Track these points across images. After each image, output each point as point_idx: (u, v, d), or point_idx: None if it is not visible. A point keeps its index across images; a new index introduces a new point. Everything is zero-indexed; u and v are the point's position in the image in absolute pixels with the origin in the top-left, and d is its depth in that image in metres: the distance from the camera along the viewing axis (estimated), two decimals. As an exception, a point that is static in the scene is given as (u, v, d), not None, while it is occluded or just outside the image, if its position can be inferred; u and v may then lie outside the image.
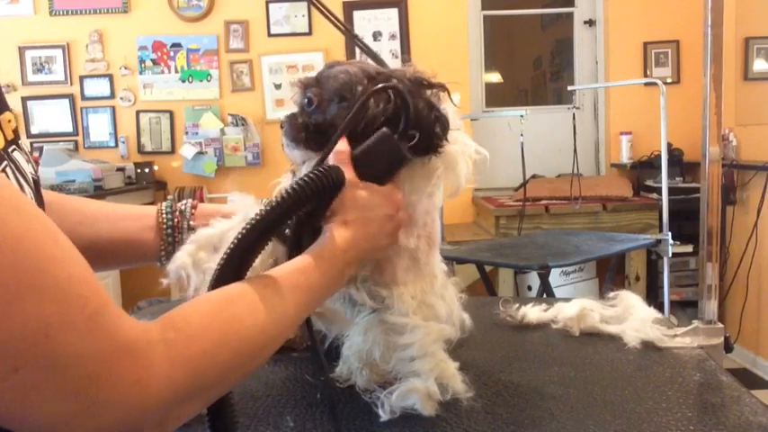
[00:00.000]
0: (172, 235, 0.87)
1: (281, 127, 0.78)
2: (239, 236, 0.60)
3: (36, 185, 0.60)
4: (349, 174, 0.69)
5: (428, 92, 0.74)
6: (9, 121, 0.56)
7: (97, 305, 0.41)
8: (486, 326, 1.03)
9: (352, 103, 0.72)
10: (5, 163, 0.53)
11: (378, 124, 0.71)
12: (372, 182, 0.71)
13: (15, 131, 0.58)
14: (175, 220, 0.87)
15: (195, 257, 0.77)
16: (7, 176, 0.52)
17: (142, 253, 0.88)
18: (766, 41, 3.50)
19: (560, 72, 4.56)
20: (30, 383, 0.38)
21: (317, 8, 0.93)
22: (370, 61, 0.82)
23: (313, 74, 0.78)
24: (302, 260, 0.64)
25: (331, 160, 0.70)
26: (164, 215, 0.87)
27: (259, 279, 0.59)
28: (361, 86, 0.73)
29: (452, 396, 0.76)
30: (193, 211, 0.88)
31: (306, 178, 0.64)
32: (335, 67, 0.77)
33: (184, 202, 0.90)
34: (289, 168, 0.82)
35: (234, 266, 0.60)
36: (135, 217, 0.87)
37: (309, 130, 0.75)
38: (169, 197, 0.96)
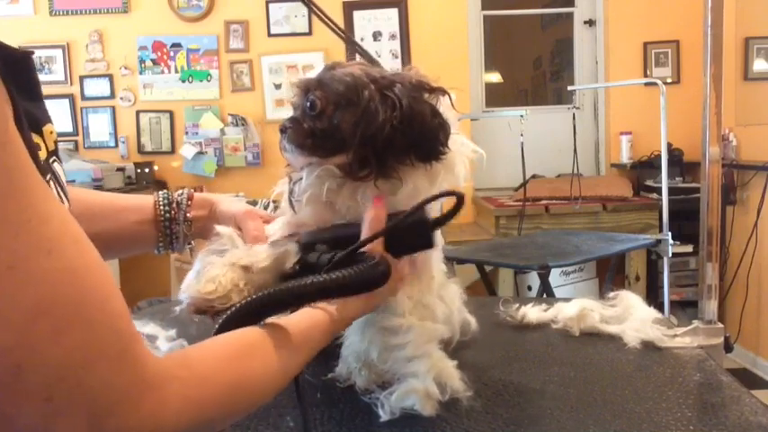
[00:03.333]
0: (169, 227, 0.89)
1: (282, 131, 0.76)
2: (270, 291, 0.62)
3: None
4: (378, 246, 0.70)
5: (427, 95, 0.74)
6: (51, 132, 0.57)
7: (128, 339, 0.43)
8: (486, 326, 1.02)
9: (360, 108, 0.71)
10: (49, 175, 0.54)
11: (387, 135, 0.70)
12: (391, 253, 0.71)
13: (56, 142, 0.58)
14: (172, 212, 0.89)
15: None
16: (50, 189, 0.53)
17: (139, 244, 0.91)
18: (766, 41, 3.50)
19: (560, 72, 4.56)
20: (57, 412, 0.39)
21: (315, 13, 0.93)
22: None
23: (313, 74, 0.77)
24: (319, 317, 0.65)
25: (365, 227, 0.70)
26: (161, 207, 0.89)
27: (279, 331, 0.60)
28: (367, 91, 0.72)
29: (451, 395, 0.77)
30: (189, 202, 0.90)
31: (351, 272, 0.65)
32: (338, 69, 0.75)
33: (180, 192, 0.91)
34: (285, 172, 0.81)
35: (250, 314, 0.61)
36: (133, 209, 0.89)
37: (316, 136, 0.73)
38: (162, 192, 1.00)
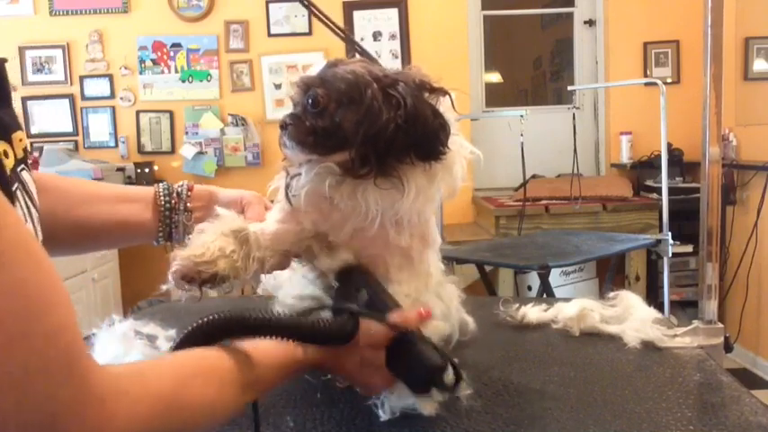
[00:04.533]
0: (169, 217, 0.89)
1: (282, 127, 0.76)
2: (232, 315, 0.61)
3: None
4: (382, 333, 0.69)
5: (428, 95, 0.74)
6: (20, 140, 0.57)
7: (77, 353, 0.43)
8: (486, 326, 1.02)
9: (362, 106, 0.71)
10: (16, 185, 0.54)
11: (390, 134, 0.70)
12: (387, 363, 0.71)
13: (25, 150, 0.58)
14: (173, 201, 0.89)
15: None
16: (17, 198, 0.53)
17: (140, 234, 0.91)
18: (766, 41, 3.50)
19: (560, 72, 4.56)
20: (3, 422, 0.39)
21: (315, 14, 0.93)
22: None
23: (314, 72, 0.76)
24: (282, 358, 0.65)
25: (394, 315, 0.70)
26: (161, 197, 0.89)
27: (241, 361, 0.59)
28: (370, 89, 0.71)
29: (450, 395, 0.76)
30: (189, 193, 0.91)
31: (322, 325, 0.65)
32: (339, 66, 0.75)
33: (180, 183, 0.92)
34: (282, 166, 0.81)
35: (212, 333, 0.60)
36: (134, 199, 0.90)
37: (317, 134, 0.73)
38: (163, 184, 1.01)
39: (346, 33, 1.02)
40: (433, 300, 0.82)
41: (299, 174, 0.76)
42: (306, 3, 0.94)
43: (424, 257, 0.81)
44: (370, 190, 0.73)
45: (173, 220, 0.89)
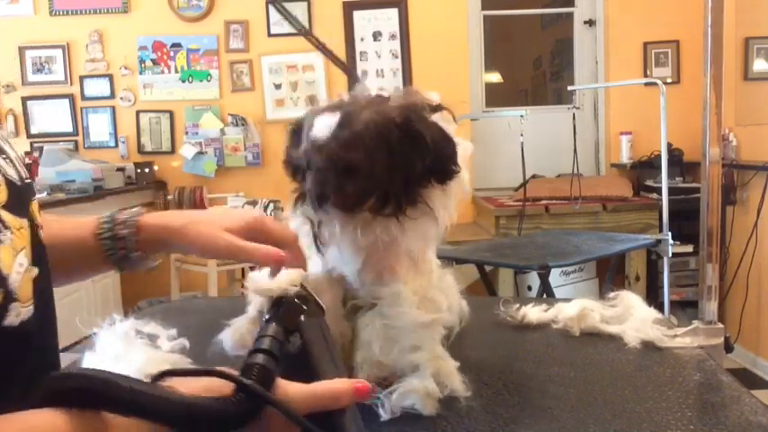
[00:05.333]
0: (120, 264, 0.80)
1: (321, 198, 0.75)
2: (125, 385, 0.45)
3: (19, 190, 0.57)
4: (302, 406, 0.52)
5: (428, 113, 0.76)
6: None
7: None
8: (486, 326, 1.02)
9: (391, 155, 0.73)
10: None
11: (416, 167, 0.73)
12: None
13: None
14: (119, 253, 0.79)
15: (248, 334, 0.78)
16: None
17: (93, 273, 0.86)
18: (766, 41, 3.50)
19: (560, 72, 4.56)
20: None
21: (316, 46, 0.94)
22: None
23: (323, 130, 0.73)
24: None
25: (325, 387, 0.54)
26: (106, 250, 0.79)
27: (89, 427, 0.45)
28: (392, 135, 0.73)
29: (450, 393, 0.77)
30: (136, 237, 0.78)
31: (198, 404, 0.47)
32: (354, 120, 0.73)
33: (123, 222, 0.79)
34: (300, 212, 0.80)
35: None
36: (80, 250, 0.79)
37: (358, 194, 0.74)
38: (105, 221, 0.85)
39: (347, 66, 1.03)
40: (439, 295, 0.84)
41: (325, 221, 0.77)
42: (306, 36, 0.94)
43: (426, 257, 0.84)
44: (403, 221, 0.76)
45: (125, 266, 0.80)
